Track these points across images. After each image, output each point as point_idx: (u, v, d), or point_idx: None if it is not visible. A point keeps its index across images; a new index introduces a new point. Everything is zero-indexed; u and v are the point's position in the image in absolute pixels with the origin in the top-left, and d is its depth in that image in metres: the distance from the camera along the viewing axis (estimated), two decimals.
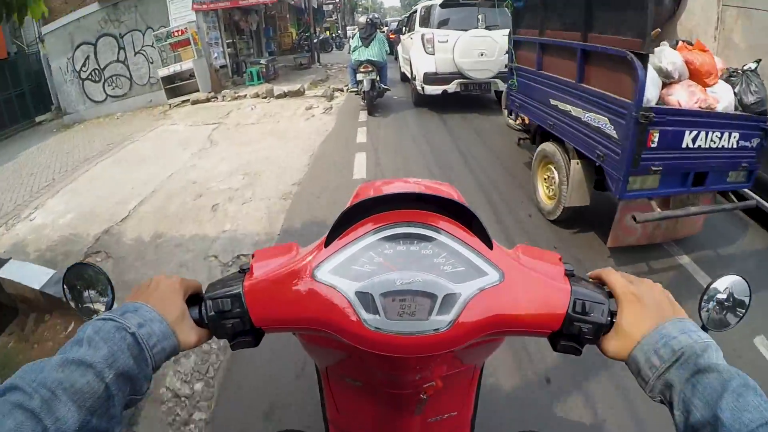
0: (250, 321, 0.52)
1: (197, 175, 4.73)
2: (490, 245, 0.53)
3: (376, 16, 7.80)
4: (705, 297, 0.56)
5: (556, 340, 0.52)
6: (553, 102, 3.14)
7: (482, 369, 0.75)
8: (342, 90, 8.79)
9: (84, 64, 9.74)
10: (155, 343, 0.46)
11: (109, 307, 0.57)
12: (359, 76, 6.73)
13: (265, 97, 8.65)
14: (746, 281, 0.55)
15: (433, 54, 6.30)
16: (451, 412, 0.70)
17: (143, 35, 9.28)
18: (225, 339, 0.54)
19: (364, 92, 6.72)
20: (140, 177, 4.83)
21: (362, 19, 7.46)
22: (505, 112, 5.01)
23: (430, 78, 6.36)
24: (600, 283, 0.55)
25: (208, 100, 8.79)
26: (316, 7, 17.41)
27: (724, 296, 0.55)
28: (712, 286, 0.56)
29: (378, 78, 7.08)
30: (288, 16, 15.80)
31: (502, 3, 4.16)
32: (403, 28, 9.09)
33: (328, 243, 0.54)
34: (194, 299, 0.55)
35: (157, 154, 5.79)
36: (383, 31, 8.45)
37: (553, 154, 3.11)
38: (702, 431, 0.38)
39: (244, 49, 11.56)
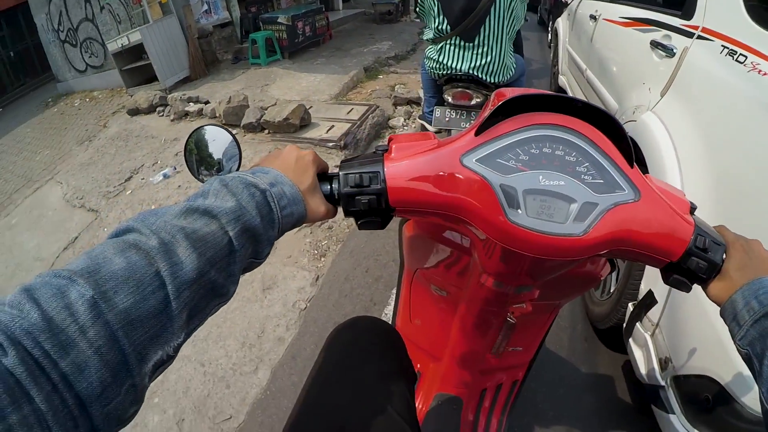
0: (386, 200, 0.52)
1: None
2: (631, 163, 0.52)
3: None
4: None
5: (669, 273, 0.52)
6: None
7: (557, 313, 0.77)
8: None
9: (59, 22, 8.21)
10: (285, 205, 0.44)
11: (235, 170, 0.55)
12: (438, 114, 2.27)
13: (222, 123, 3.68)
14: None
15: None
16: (517, 347, 0.73)
17: None
18: (352, 218, 0.53)
19: None
20: None
21: None
22: None
23: None
24: None
25: (151, 108, 4.83)
26: None
27: None
28: None
29: None
30: None
31: None
32: None
33: (479, 132, 0.52)
34: (323, 178, 0.53)
35: None
36: None
37: None
38: None
39: None
